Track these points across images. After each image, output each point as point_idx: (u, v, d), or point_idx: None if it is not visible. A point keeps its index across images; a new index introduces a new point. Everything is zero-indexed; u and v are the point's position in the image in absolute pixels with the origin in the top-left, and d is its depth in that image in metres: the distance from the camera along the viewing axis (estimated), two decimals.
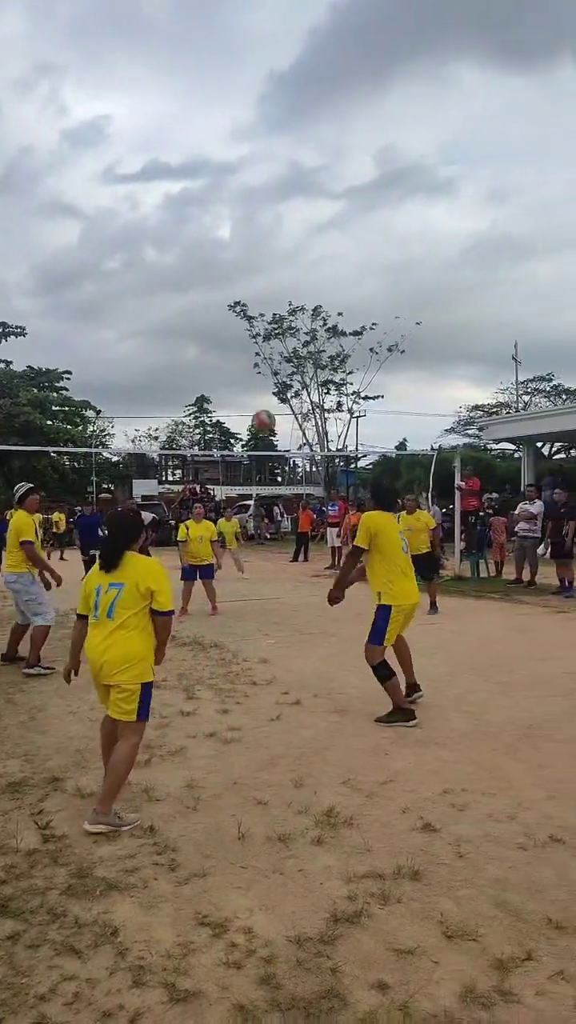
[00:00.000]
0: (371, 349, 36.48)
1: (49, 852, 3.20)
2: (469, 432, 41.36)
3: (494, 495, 19.68)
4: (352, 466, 41.07)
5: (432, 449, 19.39)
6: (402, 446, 44.53)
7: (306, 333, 36.97)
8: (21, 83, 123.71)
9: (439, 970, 2.38)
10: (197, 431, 62.61)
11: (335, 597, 5.45)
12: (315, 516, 22.80)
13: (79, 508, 27.60)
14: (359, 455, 41.09)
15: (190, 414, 62.25)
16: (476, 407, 45.76)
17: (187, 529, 10.20)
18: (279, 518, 32.72)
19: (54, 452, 34.35)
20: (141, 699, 3.51)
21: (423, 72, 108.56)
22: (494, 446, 35.70)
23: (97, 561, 3.70)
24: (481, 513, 15.77)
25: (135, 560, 3.59)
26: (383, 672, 5.10)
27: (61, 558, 19.52)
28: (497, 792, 3.85)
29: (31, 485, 7.47)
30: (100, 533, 13.60)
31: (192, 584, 10.13)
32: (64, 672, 3.81)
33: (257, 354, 37.95)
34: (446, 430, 45.08)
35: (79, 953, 2.48)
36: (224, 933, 2.59)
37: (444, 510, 17.16)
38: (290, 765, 4.25)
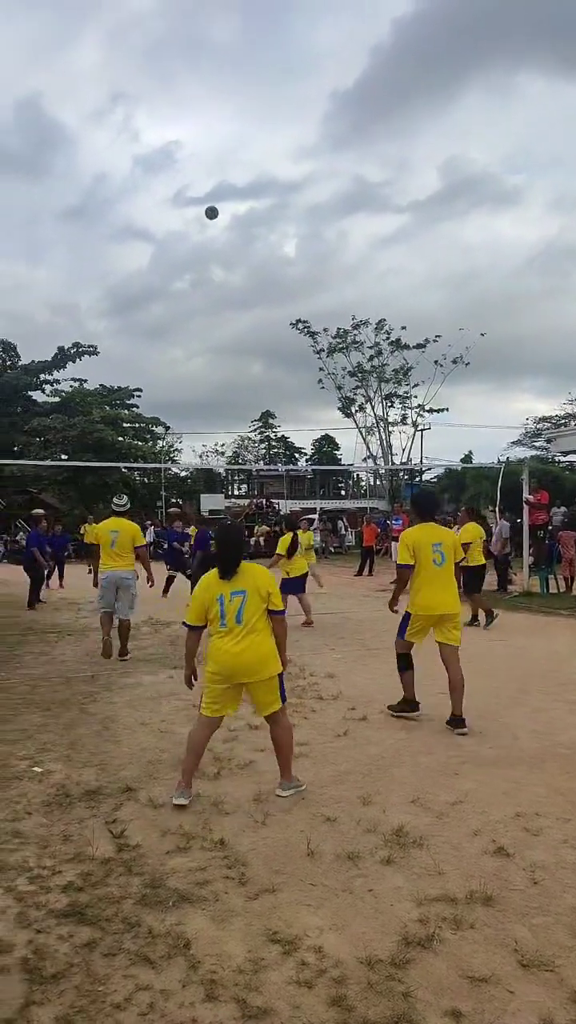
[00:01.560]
0: (435, 362, 36.11)
1: (123, 861, 3.27)
2: (536, 444, 40.33)
3: (562, 508, 19.15)
4: (416, 479, 40.66)
5: (499, 462, 19.05)
6: (468, 459, 43.83)
7: (370, 347, 36.91)
8: (97, 112, 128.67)
9: (515, 1000, 2.32)
10: (262, 446, 63.16)
11: (393, 608, 5.98)
12: (379, 530, 22.66)
13: (148, 522, 28.11)
14: (424, 468, 40.67)
15: (255, 429, 62.89)
16: (543, 419, 44.61)
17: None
18: (343, 532, 32.61)
19: (125, 468, 35.19)
20: (280, 688, 4.04)
21: (488, 83, 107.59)
22: (562, 458, 34.72)
23: (209, 573, 4.09)
24: (549, 527, 15.37)
25: (249, 568, 4.02)
26: (401, 664, 5.70)
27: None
28: (572, 818, 3.73)
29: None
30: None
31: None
32: (186, 680, 4.25)
33: (321, 369, 38.11)
34: (512, 442, 44.02)
35: (153, 964, 2.52)
36: (295, 951, 2.59)
37: (511, 524, 16.78)
38: (358, 782, 4.23)
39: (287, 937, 2.68)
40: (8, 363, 39.67)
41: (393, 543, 18.05)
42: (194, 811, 3.81)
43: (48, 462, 31.98)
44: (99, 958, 2.56)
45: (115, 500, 8.46)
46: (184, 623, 4.18)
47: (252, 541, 24.86)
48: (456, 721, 5.33)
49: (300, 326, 38.02)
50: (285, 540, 10.06)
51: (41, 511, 15.55)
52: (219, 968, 2.50)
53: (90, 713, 5.78)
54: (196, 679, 4.17)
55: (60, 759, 4.66)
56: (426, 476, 42.84)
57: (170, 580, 14.49)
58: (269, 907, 2.89)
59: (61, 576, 16.85)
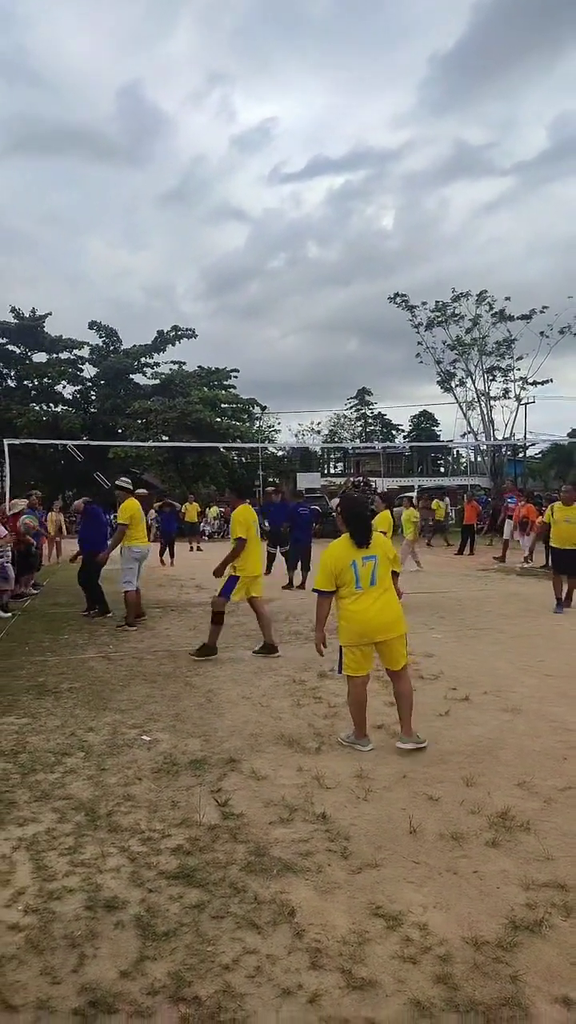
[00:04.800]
0: (541, 333, 34.66)
1: (229, 829, 3.36)
2: None
3: None
4: (520, 455, 39.30)
5: None
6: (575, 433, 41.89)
7: (470, 319, 35.79)
8: (194, 95, 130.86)
9: None
10: (358, 423, 62.76)
11: (218, 574, 6.94)
12: (480, 508, 22.08)
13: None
14: (528, 444, 39.23)
15: (351, 407, 62.55)
16: None
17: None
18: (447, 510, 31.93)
19: (223, 448, 35.85)
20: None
21: None
22: None
23: (337, 542, 4.38)
24: None
25: (375, 535, 4.39)
26: (216, 620, 6.92)
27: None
28: None
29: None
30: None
31: None
32: (318, 645, 4.54)
33: (419, 343, 37.35)
34: None
35: (259, 929, 2.59)
36: (398, 926, 2.59)
37: None
38: (461, 762, 4.17)
39: (391, 912, 2.68)
40: (111, 348, 41.08)
41: (508, 521, 17.45)
42: (296, 784, 3.87)
43: (149, 443, 32.99)
44: (207, 920, 2.64)
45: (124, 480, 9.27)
46: (315, 590, 4.44)
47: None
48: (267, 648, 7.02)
49: (398, 300, 37.37)
50: (386, 516, 9.70)
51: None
52: (323, 938, 2.53)
53: (194, 686, 5.96)
54: (325, 646, 4.51)
55: (167, 729, 4.83)
56: (530, 452, 41.35)
57: (271, 558, 14.54)
58: (372, 882, 2.90)
59: (172, 554, 17.11)
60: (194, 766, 4.15)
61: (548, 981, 2.29)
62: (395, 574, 4.47)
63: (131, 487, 9.09)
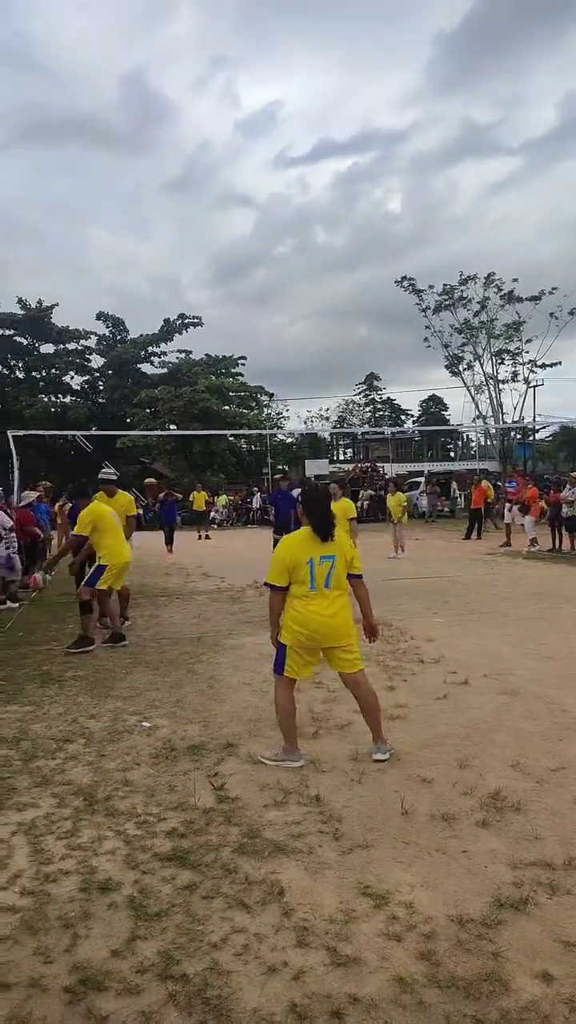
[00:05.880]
0: (551, 314, 34.31)
1: (223, 812, 3.41)
2: None
3: None
4: (529, 439, 39.05)
5: None
6: None
7: (478, 302, 35.49)
8: (198, 81, 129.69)
9: None
10: (367, 409, 62.54)
11: (48, 566, 8.03)
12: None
13: (255, 489, 28.29)
14: (537, 427, 38.96)
15: (360, 392, 62.31)
16: None
17: None
18: (455, 495, 31.86)
19: (231, 436, 35.84)
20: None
21: None
22: None
23: (295, 534, 4.09)
24: None
25: (337, 533, 4.06)
26: (83, 609, 7.02)
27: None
28: None
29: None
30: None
31: None
32: (273, 640, 4.11)
33: (427, 327, 37.09)
34: None
35: (248, 908, 2.64)
36: (385, 905, 2.64)
37: None
38: (456, 745, 4.20)
39: (378, 891, 2.72)
40: (118, 338, 41.09)
41: (507, 504, 17.45)
42: (292, 768, 3.91)
43: (157, 432, 33.02)
44: (198, 900, 2.70)
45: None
46: (267, 583, 4.06)
47: (357, 505, 24.76)
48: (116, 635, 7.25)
49: (405, 284, 37.10)
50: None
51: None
52: (311, 916, 2.58)
53: (196, 673, 6.02)
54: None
55: (167, 715, 4.89)
56: (540, 435, 41.07)
57: (276, 544, 14.46)
58: (362, 862, 2.94)
59: (171, 543, 17.07)
60: (192, 751, 4.21)
61: (529, 957, 2.33)
62: (357, 576, 4.07)
63: (115, 479, 8.43)
